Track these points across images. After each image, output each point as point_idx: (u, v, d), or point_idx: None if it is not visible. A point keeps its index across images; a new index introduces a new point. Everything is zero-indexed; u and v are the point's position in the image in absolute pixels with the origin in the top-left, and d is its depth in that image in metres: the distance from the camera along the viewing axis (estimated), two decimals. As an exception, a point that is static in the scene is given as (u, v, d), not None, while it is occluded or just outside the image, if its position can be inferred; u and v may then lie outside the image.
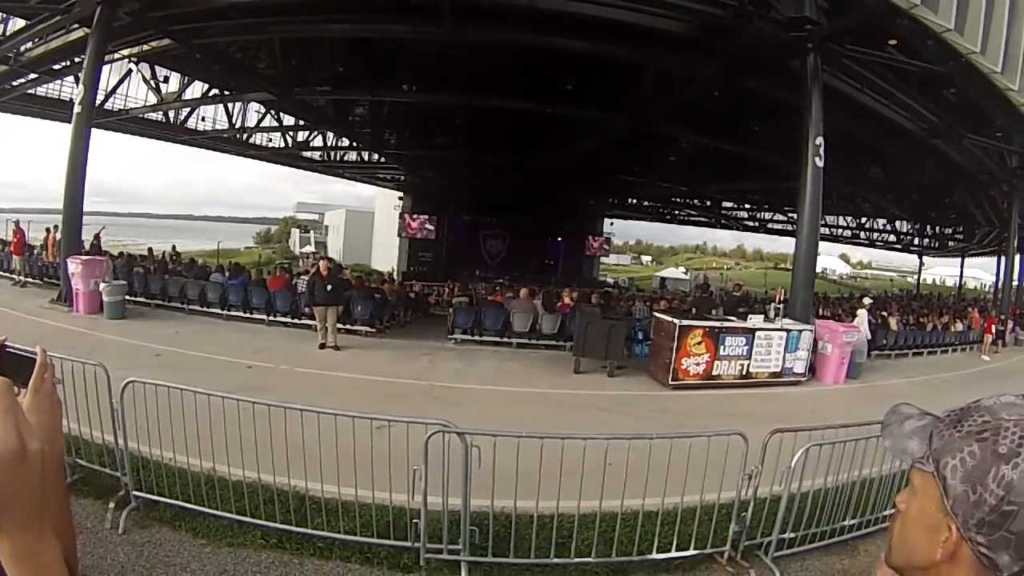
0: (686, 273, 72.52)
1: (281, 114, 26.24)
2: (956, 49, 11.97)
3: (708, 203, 39.81)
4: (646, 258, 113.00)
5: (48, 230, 16.31)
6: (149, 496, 4.42)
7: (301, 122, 27.20)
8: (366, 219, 52.80)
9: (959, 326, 19.15)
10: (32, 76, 19.10)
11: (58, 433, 0.77)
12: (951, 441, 0.76)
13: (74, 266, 11.92)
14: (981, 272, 51.12)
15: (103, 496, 4.53)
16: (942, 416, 0.82)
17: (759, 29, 11.53)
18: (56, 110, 21.41)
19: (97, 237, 16.99)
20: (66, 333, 10.18)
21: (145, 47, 16.22)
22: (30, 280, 15.18)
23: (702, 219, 44.76)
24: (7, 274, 15.96)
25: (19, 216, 16.94)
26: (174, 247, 21.55)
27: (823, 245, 17.13)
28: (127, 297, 12.32)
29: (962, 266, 38.54)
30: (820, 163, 11.82)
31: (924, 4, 10.85)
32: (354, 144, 30.73)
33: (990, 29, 12.36)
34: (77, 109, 12.87)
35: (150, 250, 19.96)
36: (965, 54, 12.08)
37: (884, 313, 17.88)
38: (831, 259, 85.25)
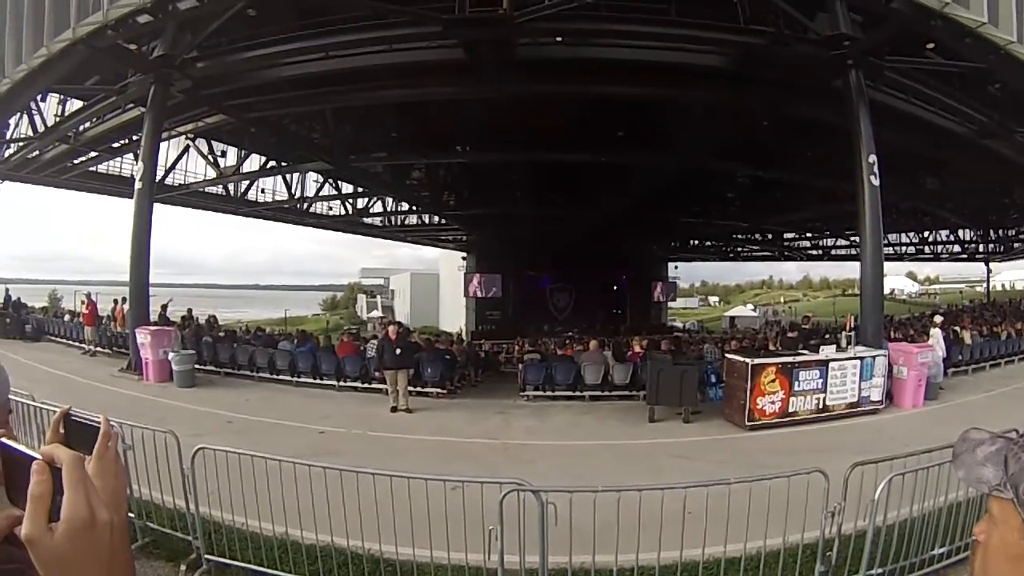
0: (754, 310, 71.25)
1: (339, 182, 26.82)
2: (993, 42, 11.54)
3: (770, 236, 39.23)
4: (713, 298, 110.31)
5: (116, 301, 17.06)
6: (221, 559, 4.47)
7: (360, 189, 27.79)
8: (431, 281, 53.72)
9: (1034, 330, 17.97)
10: (92, 154, 19.87)
11: (122, 497, 0.80)
12: None
13: (143, 336, 12.32)
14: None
15: (175, 559, 4.61)
16: (1016, 438, 0.77)
17: (798, 52, 11.50)
18: (118, 186, 22.09)
19: (164, 308, 17.67)
20: (137, 401, 10.52)
21: (200, 123, 17.04)
22: (99, 349, 15.75)
23: (765, 253, 44.25)
24: (77, 343, 16.66)
25: (89, 288, 17.73)
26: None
27: (888, 265, 16.53)
28: (196, 366, 12.53)
29: (1031, 267, 36.71)
30: (876, 181, 11.51)
31: (955, 1, 10.55)
32: (414, 208, 31.08)
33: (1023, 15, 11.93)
34: (138, 185, 13.37)
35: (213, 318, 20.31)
36: (1003, 45, 11.63)
37: (956, 328, 16.95)
38: (898, 279, 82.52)
